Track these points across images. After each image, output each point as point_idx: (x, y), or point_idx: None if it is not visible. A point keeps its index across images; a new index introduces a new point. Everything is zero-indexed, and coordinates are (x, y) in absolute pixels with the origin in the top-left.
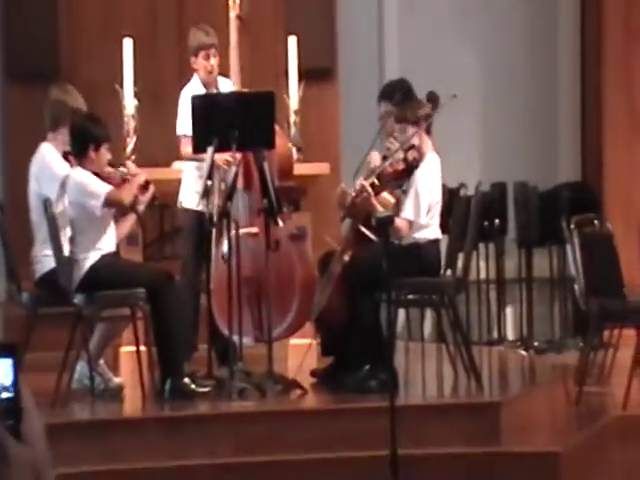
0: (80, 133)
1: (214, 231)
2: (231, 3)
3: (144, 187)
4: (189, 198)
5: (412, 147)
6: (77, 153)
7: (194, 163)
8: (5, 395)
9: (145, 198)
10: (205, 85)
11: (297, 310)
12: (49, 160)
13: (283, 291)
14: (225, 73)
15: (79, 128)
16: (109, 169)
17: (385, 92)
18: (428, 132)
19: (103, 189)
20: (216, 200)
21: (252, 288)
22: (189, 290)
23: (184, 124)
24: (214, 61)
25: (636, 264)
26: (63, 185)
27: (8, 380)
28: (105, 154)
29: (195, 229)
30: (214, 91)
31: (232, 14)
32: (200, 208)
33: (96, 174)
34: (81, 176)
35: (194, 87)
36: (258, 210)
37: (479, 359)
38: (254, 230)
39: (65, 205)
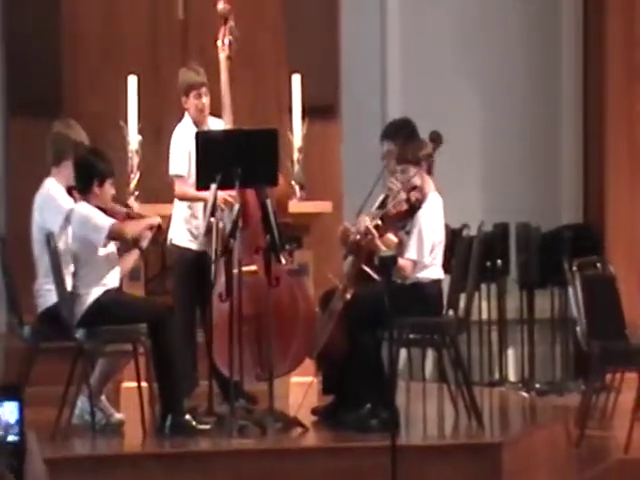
0: (84, 168)
1: (213, 269)
2: (219, 44)
3: (152, 228)
4: (179, 235)
5: (414, 188)
6: (81, 188)
7: (185, 202)
8: (11, 438)
9: (148, 234)
10: (196, 124)
11: (297, 347)
12: (53, 194)
13: (283, 328)
14: (216, 113)
15: (83, 163)
16: (113, 204)
17: (388, 132)
18: (430, 172)
19: (106, 222)
20: (214, 239)
21: (251, 326)
22: (184, 326)
23: (176, 164)
24: (205, 100)
25: (638, 306)
26: (67, 219)
27: (13, 419)
28: (109, 189)
29: (187, 266)
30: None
31: (222, 55)
32: (194, 246)
33: (100, 209)
34: (85, 210)
35: (185, 127)
36: (255, 248)
37: (480, 399)
38: (253, 268)
39: (68, 239)
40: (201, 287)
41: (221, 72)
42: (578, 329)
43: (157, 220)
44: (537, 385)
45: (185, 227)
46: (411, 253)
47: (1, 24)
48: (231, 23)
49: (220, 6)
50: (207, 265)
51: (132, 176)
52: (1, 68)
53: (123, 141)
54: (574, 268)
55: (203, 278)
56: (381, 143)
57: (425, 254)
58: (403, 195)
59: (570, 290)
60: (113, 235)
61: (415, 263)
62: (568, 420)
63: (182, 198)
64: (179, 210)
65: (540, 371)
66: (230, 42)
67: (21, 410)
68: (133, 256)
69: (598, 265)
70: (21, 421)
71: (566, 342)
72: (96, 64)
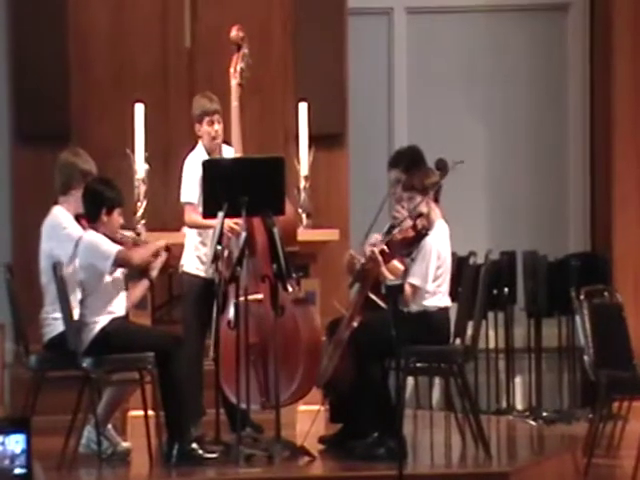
0: (93, 196)
1: (219, 297)
2: (232, 71)
3: (158, 254)
4: (189, 263)
5: (420, 215)
6: (90, 216)
7: (196, 230)
8: (18, 470)
9: (158, 264)
10: (209, 152)
11: (303, 375)
12: (63, 222)
13: (289, 356)
14: (229, 140)
15: (92, 191)
16: (121, 233)
17: (394, 160)
18: (436, 200)
19: (113, 249)
20: (220, 266)
21: (257, 354)
22: (192, 354)
23: (188, 191)
24: (218, 127)
25: None
26: (76, 246)
27: (19, 450)
28: (117, 218)
29: (197, 294)
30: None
31: (233, 82)
32: (203, 274)
33: (108, 237)
34: (93, 237)
35: (198, 154)
36: (262, 276)
37: (487, 428)
38: (260, 296)
39: (76, 267)
40: (210, 314)
41: (232, 99)
42: (585, 358)
43: (162, 243)
44: (544, 414)
45: (195, 254)
46: (413, 278)
47: (9, 52)
48: (245, 50)
49: (233, 33)
50: (215, 293)
51: (139, 204)
52: (8, 96)
53: (130, 169)
54: (581, 297)
55: (212, 306)
56: (388, 171)
57: (429, 280)
58: (409, 222)
59: (577, 319)
60: (120, 262)
61: (417, 289)
62: (575, 449)
63: (192, 225)
64: (189, 238)
65: (547, 400)
66: (242, 69)
67: (28, 442)
68: (142, 286)
69: (605, 294)
70: (28, 452)
71: (573, 371)
72: (104, 92)
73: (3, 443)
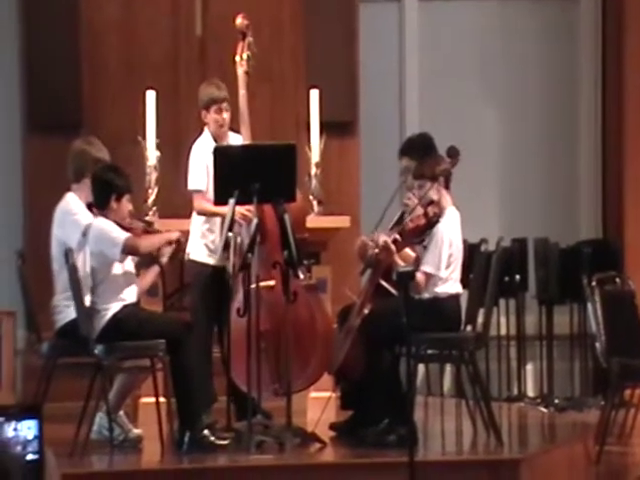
0: (102, 183)
1: (232, 284)
2: (238, 59)
3: (171, 243)
4: (197, 251)
5: (432, 202)
6: (99, 203)
7: (203, 217)
8: (30, 456)
9: (168, 250)
10: (215, 139)
11: (315, 362)
12: (73, 208)
13: (301, 343)
14: (236, 128)
15: (101, 178)
16: (131, 220)
17: (405, 147)
18: (447, 187)
19: (122, 236)
20: (232, 254)
21: (269, 341)
22: (201, 342)
23: (195, 179)
24: (226, 115)
25: None
26: (85, 234)
27: (32, 436)
28: (126, 205)
29: (204, 282)
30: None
31: (240, 70)
32: (211, 261)
33: (118, 224)
34: (102, 224)
35: (205, 141)
36: (273, 263)
37: (499, 415)
38: (271, 283)
39: (87, 254)
40: (219, 302)
41: (239, 87)
42: (597, 345)
43: (176, 235)
44: (556, 401)
45: (202, 242)
46: (427, 266)
47: (21, 42)
48: (249, 39)
49: (238, 21)
50: (225, 280)
51: (150, 191)
52: (20, 86)
53: (141, 157)
54: (593, 284)
55: (221, 293)
56: (399, 159)
57: (442, 268)
58: (420, 210)
59: (589, 306)
60: (128, 249)
61: (430, 276)
62: (587, 436)
63: (201, 213)
64: (196, 225)
65: (559, 387)
66: (248, 57)
67: (40, 428)
68: (152, 273)
69: (617, 281)
70: (40, 439)
71: (585, 358)
72: (115, 80)
73: (16, 429)
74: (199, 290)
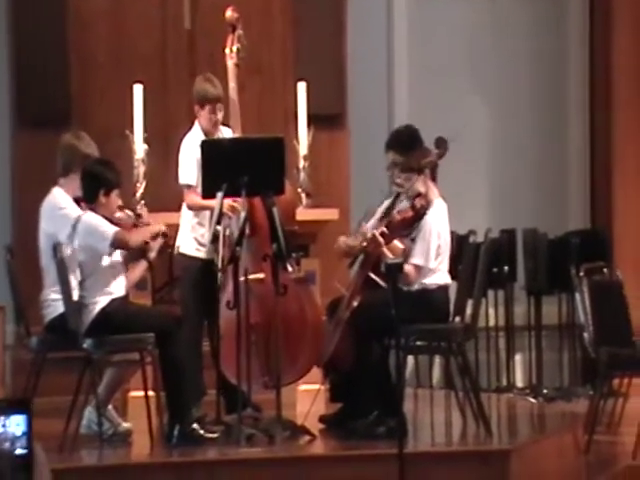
0: (91, 177)
1: (220, 277)
2: (227, 52)
3: (157, 236)
4: (186, 244)
5: (419, 195)
6: (88, 197)
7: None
8: (19, 451)
9: (156, 245)
10: (206, 134)
11: (305, 355)
12: (61, 202)
13: (291, 336)
14: (226, 120)
15: (90, 172)
16: (120, 214)
17: (391, 141)
18: (433, 179)
19: (111, 230)
20: (220, 247)
21: (259, 334)
22: (191, 335)
23: (186, 173)
24: (220, 115)
25: None
26: (74, 227)
27: (20, 432)
28: (115, 199)
29: (194, 275)
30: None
31: (229, 63)
32: (200, 255)
33: (107, 219)
34: (91, 218)
35: (195, 135)
36: (263, 256)
37: (488, 406)
38: (261, 276)
39: (75, 248)
40: (209, 296)
41: (229, 80)
42: (585, 335)
43: (161, 228)
44: (545, 391)
45: (192, 235)
46: (416, 259)
47: (8, 37)
48: (239, 31)
49: (228, 14)
50: (214, 274)
51: (138, 185)
52: (9, 80)
53: (129, 150)
54: (581, 274)
55: (210, 287)
56: (385, 152)
57: (430, 259)
58: (407, 202)
59: (577, 296)
60: (117, 244)
61: (420, 268)
62: (576, 426)
63: (192, 207)
64: (185, 219)
65: (548, 377)
66: (238, 50)
67: (29, 423)
68: (141, 267)
69: (605, 271)
70: (29, 434)
71: (574, 348)
72: (104, 74)
73: (4, 425)
74: (189, 284)
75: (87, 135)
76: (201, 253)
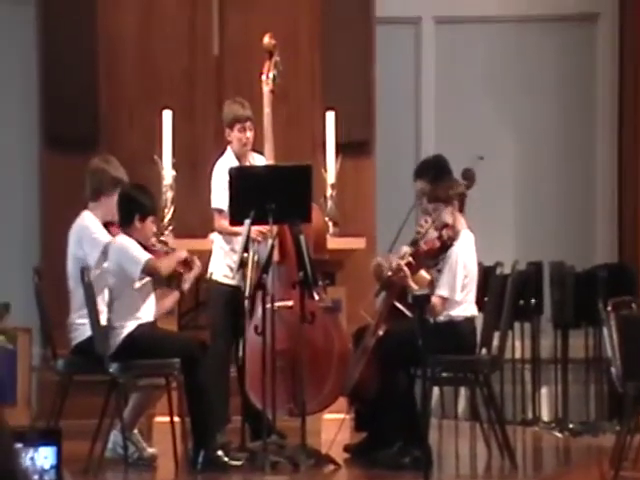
0: (127, 201)
1: (247, 304)
2: (264, 78)
3: (185, 263)
4: (219, 270)
5: (446, 225)
6: (123, 221)
7: (226, 236)
8: None
9: (191, 276)
10: (238, 158)
11: (331, 384)
12: (91, 226)
13: (318, 364)
14: (258, 147)
15: (127, 197)
16: (154, 242)
17: (420, 171)
18: (461, 210)
19: (144, 256)
20: (249, 273)
21: (286, 361)
22: (219, 362)
23: (218, 198)
24: (250, 134)
25: None
26: (104, 252)
27: (48, 465)
28: (151, 226)
29: (224, 302)
30: (247, 164)
31: (265, 89)
32: (231, 282)
33: (140, 244)
34: (125, 241)
35: (227, 160)
36: (292, 283)
37: (513, 439)
38: (289, 303)
39: (103, 270)
40: (236, 322)
41: (264, 105)
42: (613, 369)
43: (184, 253)
44: (571, 425)
45: (224, 262)
46: (442, 290)
47: (39, 59)
48: (276, 58)
49: (266, 40)
50: (241, 300)
51: (166, 211)
52: (38, 103)
53: (158, 176)
54: (609, 308)
55: (238, 313)
56: (414, 181)
57: (457, 291)
58: (434, 232)
59: (604, 330)
60: (149, 270)
61: (446, 300)
62: (602, 461)
63: (221, 232)
64: (218, 245)
65: (574, 411)
66: (274, 76)
67: (59, 455)
68: (173, 298)
69: (633, 305)
70: (58, 467)
71: (600, 382)
72: (132, 99)
73: (32, 458)
74: (218, 310)
75: (116, 159)
76: (231, 279)
